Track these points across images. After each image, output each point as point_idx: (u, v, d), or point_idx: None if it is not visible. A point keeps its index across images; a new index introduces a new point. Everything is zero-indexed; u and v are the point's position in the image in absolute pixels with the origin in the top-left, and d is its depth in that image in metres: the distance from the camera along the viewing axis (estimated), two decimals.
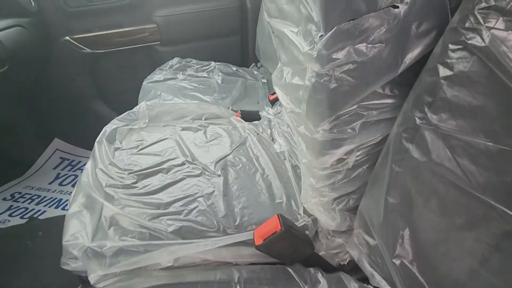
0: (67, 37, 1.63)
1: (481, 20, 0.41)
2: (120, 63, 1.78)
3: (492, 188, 0.43)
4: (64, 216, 0.84)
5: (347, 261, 0.81)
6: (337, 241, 0.80)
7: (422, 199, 0.53)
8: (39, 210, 1.58)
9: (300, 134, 0.65)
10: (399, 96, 0.57)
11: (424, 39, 0.51)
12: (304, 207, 0.82)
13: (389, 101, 0.57)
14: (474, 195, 0.44)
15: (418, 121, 0.51)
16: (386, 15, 0.47)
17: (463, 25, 0.43)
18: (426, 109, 0.49)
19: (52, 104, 1.79)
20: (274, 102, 1.32)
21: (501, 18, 0.39)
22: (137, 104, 1.24)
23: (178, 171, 0.95)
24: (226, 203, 0.84)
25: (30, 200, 1.64)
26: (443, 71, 0.46)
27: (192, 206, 0.83)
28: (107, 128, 1.08)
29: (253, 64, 1.92)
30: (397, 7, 0.48)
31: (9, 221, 1.51)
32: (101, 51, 1.70)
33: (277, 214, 0.74)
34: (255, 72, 1.74)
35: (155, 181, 0.91)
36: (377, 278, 0.65)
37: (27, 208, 1.59)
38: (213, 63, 1.68)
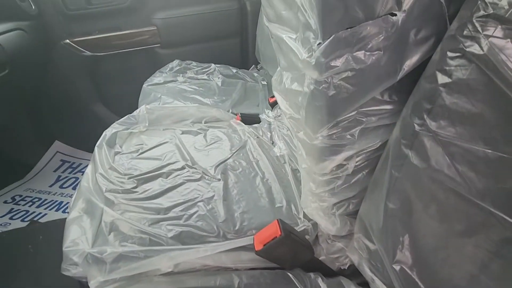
0: (67, 40, 1.63)
1: (479, 28, 0.41)
2: (120, 66, 1.79)
3: (491, 195, 0.43)
4: (64, 219, 0.84)
5: (347, 266, 0.81)
6: (337, 246, 0.80)
7: (421, 205, 0.53)
8: (40, 213, 1.59)
9: (299, 139, 0.66)
10: (398, 102, 0.57)
11: (423, 46, 0.51)
12: (304, 212, 0.82)
13: (388, 107, 0.57)
14: (474, 201, 0.44)
15: (417, 127, 0.51)
16: (384, 23, 0.47)
17: (462, 33, 0.43)
18: (425, 116, 0.49)
19: (53, 107, 1.80)
20: (274, 105, 1.32)
21: (499, 26, 0.39)
22: (137, 107, 1.24)
23: (178, 175, 0.95)
24: (226, 208, 0.85)
25: (30, 203, 1.65)
26: (442, 78, 0.46)
27: (192, 211, 0.83)
28: (107, 132, 1.08)
29: (253, 66, 1.93)
30: (395, 15, 0.48)
31: (10, 224, 1.51)
32: (101, 53, 1.70)
33: (277, 220, 0.74)
34: (255, 74, 1.75)
35: (155, 186, 0.91)
36: (378, 283, 0.65)
37: (27, 211, 1.60)
38: (213, 65, 1.69)
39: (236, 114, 1.30)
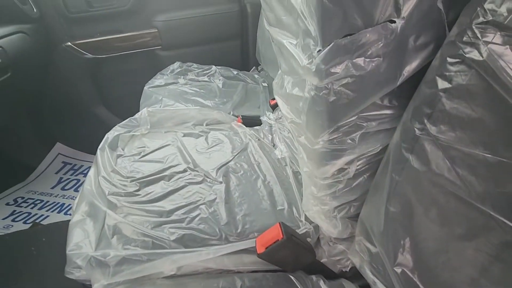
0: (69, 43, 1.64)
1: (478, 35, 0.41)
2: (121, 68, 1.79)
3: (492, 199, 0.43)
4: (67, 221, 0.85)
5: (349, 268, 0.81)
6: (339, 248, 0.80)
7: (422, 208, 0.53)
8: (42, 215, 1.59)
9: (301, 144, 0.66)
10: (398, 107, 0.57)
11: (422, 52, 0.51)
12: (305, 214, 0.82)
13: (388, 112, 0.58)
14: (474, 205, 0.44)
15: (417, 132, 0.51)
16: (383, 30, 0.47)
17: (461, 39, 0.44)
18: (425, 121, 0.50)
19: (54, 109, 1.81)
20: (275, 107, 1.32)
21: (499, 33, 0.40)
22: (138, 109, 1.25)
23: (180, 178, 0.95)
24: (228, 211, 0.85)
25: (33, 205, 1.65)
26: (442, 84, 0.47)
27: (194, 214, 0.83)
28: (109, 135, 1.09)
29: (254, 67, 1.93)
30: (394, 22, 0.48)
31: (12, 226, 1.52)
32: (103, 56, 1.71)
33: (279, 223, 0.74)
34: (256, 76, 1.75)
35: (157, 189, 0.91)
36: (379, 286, 0.65)
37: (30, 213, 1.60)
38: (214, 67, 1.69)
39: (237, 116, 1.30)
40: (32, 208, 1.63)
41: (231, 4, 1.82)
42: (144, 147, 1.09)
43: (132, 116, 1.19)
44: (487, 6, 0.41)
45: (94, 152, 1.03)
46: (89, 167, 1.54)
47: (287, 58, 0.60)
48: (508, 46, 0.39)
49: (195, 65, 1.71)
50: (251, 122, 1.27)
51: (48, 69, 1.66)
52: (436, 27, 0.50)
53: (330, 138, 0.58)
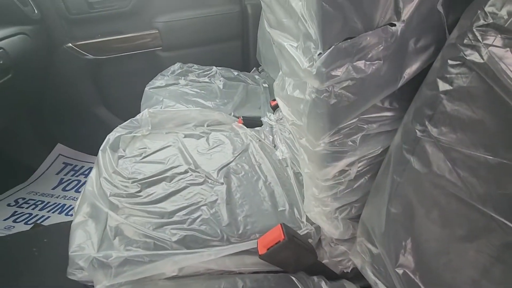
0: (70, 44, 1.64)
1: (479, 37, 0.42)
2: (122, 69, 1.80)
3: (493, 200, 0.43)
4: (68, 222, 0.85)
5: (350, 269, 0.81)
6: (341, 249, 0.80)
7: (423, 210, 0.53)
8: (43, 216, 1.60)
9: (302, 146, 0.66)
10: (398, 109, 0.58)
11: (422, 54, 0.51)
12: (306, 215, 0.82)
13: (389, 114, 0.58)
14: (475, 206, 0.44)
15: (418, 133, 0.51)
16: (384, 33, 0.47)
17: (462, 42, 0.44)
18: (426, 122, 0.50)
19: (55, 110, 1.81)
20: (275, 108, 1.32)
21: (499, 36, 0.40)
22: (139, 110, 1.25)
23: (181, 179, 0.96)
24: (229, 212, 0.85)
25: (34, 206, 1.66)
26: (443, 86, 0.47)
27: (195, 215, 0.84)
28: (111, 136, 1.09)
29: (254, 68, 1.93)
30: (394, 25, 0.48)
31: (14, 227, 1.52)
32: (103, 57, 1.72)
33: (281, 224, 0.75)
34: (256, 77, 1.75)
35: (159, 190, 0.92)
36: (381, 287, 0.65)
37: (31, 214, 1.61)
38: (214, 68, 1.69)
39: (238, 117, 1.30)
40: (33, 209, 1.64)
41: (231, 5, 1.82)
42: (145, 148, 1.09)
43: (133, 117, 1.19)
44: (487, 9, 0.41)
45: (94, 153, 1.03)
46: (90, 168, 1.54)
47: (288, 60, 0.60)
48: (508, 49, 0.39)
49: (195, 66, 1.71)
50: (252, 123, 1.28)
51: (49, 70, 1.66)
52: (436, 30, 0.50)
53: (331, 140, 0.58)
